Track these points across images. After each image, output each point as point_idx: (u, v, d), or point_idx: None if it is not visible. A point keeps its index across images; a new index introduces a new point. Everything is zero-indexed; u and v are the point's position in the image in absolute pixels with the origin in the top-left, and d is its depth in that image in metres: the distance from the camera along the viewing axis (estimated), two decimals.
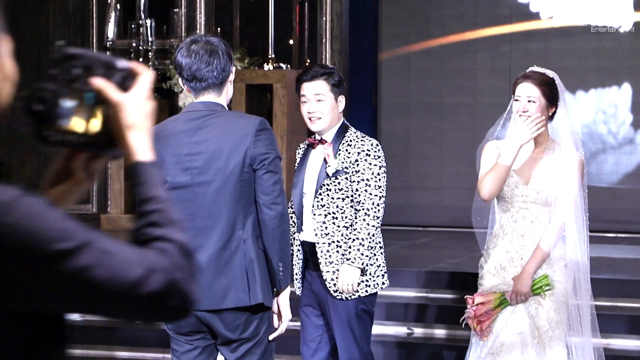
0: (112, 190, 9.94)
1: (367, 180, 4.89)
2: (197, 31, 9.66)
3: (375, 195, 4.88)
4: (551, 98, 4.79)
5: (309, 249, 5.01)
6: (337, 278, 4.93)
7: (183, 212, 4.02)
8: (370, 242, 4.87)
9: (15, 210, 1.51)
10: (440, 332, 6.62)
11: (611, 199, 10.61)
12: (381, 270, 5.01)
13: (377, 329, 5.65)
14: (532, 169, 4.83)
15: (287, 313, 4.34)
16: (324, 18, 9.94)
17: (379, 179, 4.90)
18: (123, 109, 1.70)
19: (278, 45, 9.43)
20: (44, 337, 1.62)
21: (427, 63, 11.15)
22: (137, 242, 1.64)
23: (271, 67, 9.19)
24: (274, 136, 4.29)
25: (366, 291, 4.96)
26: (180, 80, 4.34)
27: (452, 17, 11.08)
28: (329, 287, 4.95)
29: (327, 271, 4.94)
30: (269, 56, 9.27)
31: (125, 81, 1.73)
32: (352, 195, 4.91)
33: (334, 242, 4.93)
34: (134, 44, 9.88)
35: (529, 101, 4.76)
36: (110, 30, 9.91)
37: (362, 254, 4.86)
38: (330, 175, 4.92)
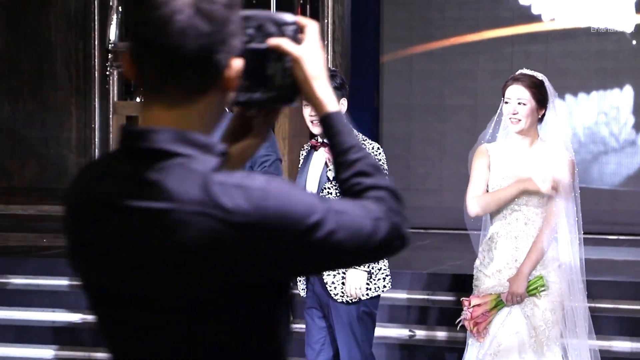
0: None
1: None
2: None
3: None
4: (541, 100, 4.82)
5: None
6: (337, 281, 4.93)
7: None
8: None
9: (270, 195, 1.61)
10: (441, 334, 6.62)
11: (612, 201, 10.60)
12: (383, 273, 5.01)
13: (379, 331, 5.65)
14: (523, 171, 4.85)
15: None
16: (326, 20, 9.95)
17: None
18: (304, 61, 1.75)
19: None
20: (282, 299, 1.73)
21: (429, 65, 11.14)
22: (352, 192, 1.75)
23: None
24: (275, 138, 4.29)
25: (367, 294, 4.96)
26: None
27: (454, 20, 11.07)
28: (330, 290, 4.95)
29: (328, 274, 4.94)
30: None
31: (296, 34, 1.76)
32: None
33: None
34: None
35: (519, 103, 4.80)
36: (112, 32, 9.92)
37: None
38: (332, 178, 4.92)
